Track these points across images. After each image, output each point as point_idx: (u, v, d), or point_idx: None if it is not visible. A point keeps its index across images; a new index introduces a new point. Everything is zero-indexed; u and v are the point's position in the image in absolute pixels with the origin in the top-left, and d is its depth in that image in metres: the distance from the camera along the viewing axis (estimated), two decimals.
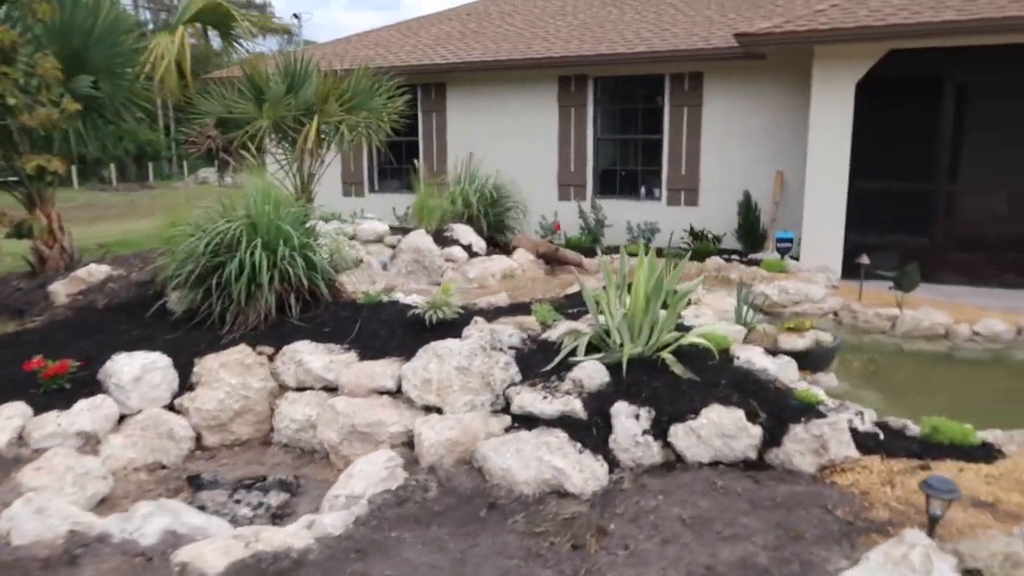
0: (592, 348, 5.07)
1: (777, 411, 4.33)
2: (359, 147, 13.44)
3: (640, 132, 11.81)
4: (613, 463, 4.17)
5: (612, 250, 10.69)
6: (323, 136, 8.78)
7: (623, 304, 5.23)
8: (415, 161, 12.84)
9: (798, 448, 4.09)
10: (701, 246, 10.20)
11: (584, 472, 4.00)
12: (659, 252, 10.48)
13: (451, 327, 5.40)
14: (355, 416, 4.61)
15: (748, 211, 10.43)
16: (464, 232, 8.79)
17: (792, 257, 9.67)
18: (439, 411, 4.68)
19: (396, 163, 13.43)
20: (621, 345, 4.96)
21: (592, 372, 4.68)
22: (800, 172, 9.63)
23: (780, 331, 6.69)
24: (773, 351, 6.02)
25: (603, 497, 3.92)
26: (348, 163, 13.61)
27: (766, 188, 10.58)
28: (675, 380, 4.68)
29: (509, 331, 5.20)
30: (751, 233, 10.34)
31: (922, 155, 9.00)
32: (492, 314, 5.93)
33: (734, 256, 10.00)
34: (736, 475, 4.06)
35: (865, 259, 8.20)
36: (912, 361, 7.06)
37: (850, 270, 9.18)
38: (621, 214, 11.53)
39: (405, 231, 8.28)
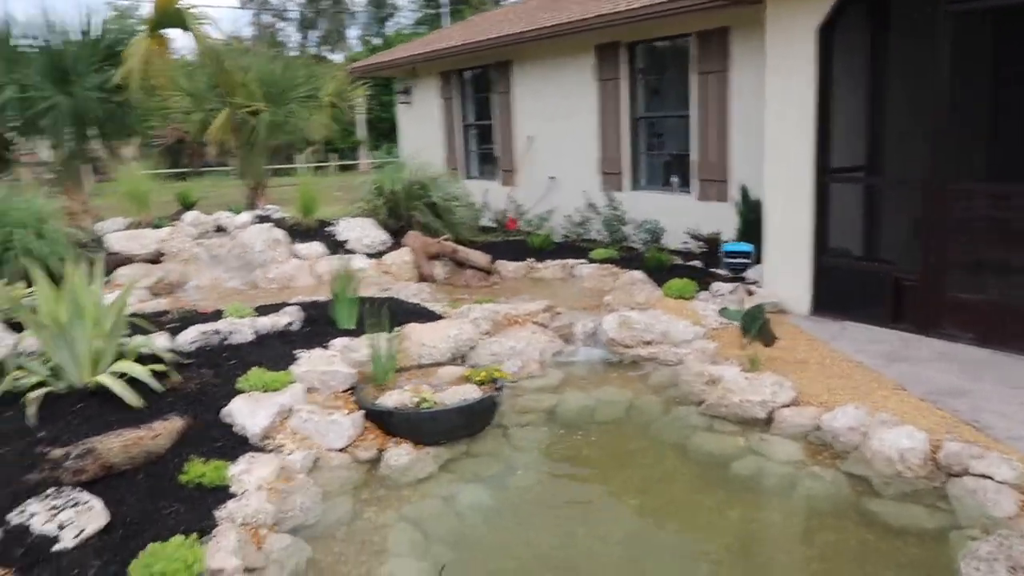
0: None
1: None
2: (452, 133, 13.28)
3: (674, 110, 9.46)
4: None
5: (630, 251, 8.81)
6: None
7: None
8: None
9: None
10: (654, 256, 7.87)
11: None
12: (639, 259, 8.32)
13: None
14: None
15: (747, 210, 7.70)
16: (354, 226, 8.22)
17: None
18: None
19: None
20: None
21: None
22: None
23: (454, 381, 5.03)
24: (363, 407, 4.64)
25: None
26: (450, 150, 13.44)
27: None
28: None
29: None
30: (749, 237, 7.61)
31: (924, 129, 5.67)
32: None
33: (720, 269, 7.52)
34: None
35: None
36: (644, 466, 4.68)
37: (831, 302, 6.32)
38: (650, 209, 9.45)
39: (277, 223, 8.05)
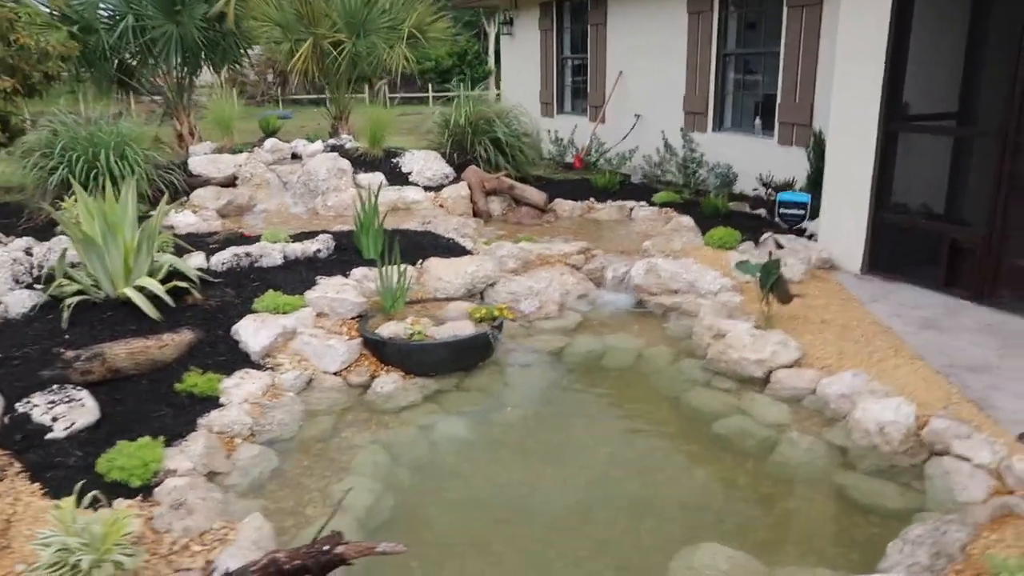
0: None
1: None
2: (548, 67, 13.06)
3: (763, 46, 8.83)
4: None
5: (701, 195, 8.47)
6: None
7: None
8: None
9: None
10: (710, 202, 7.51)
11: None
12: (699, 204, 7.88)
13: None
14: None
15: (817, 157, 7.17)
16: (418, 159, 8.38)
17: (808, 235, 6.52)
18: None
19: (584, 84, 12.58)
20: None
21: (19, 300, 4.78)
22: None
23: (461, 316, 5.15)
24: (363, 335, 4.88)
25: None
26: (545, 84, 13.26)
27: None
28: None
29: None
30: (818, 187, 7.12)
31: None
32: None
33: (776, 220, 7.13)
34: None
35: None
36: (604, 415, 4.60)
37: (885, 262, 5.92)
38: (731, 152, 9.02)
39: (345, 154, 8.33)
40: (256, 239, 5.96)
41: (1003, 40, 5.62)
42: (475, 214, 7.90)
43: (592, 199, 8.44)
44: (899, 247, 5.89)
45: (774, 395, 4.43)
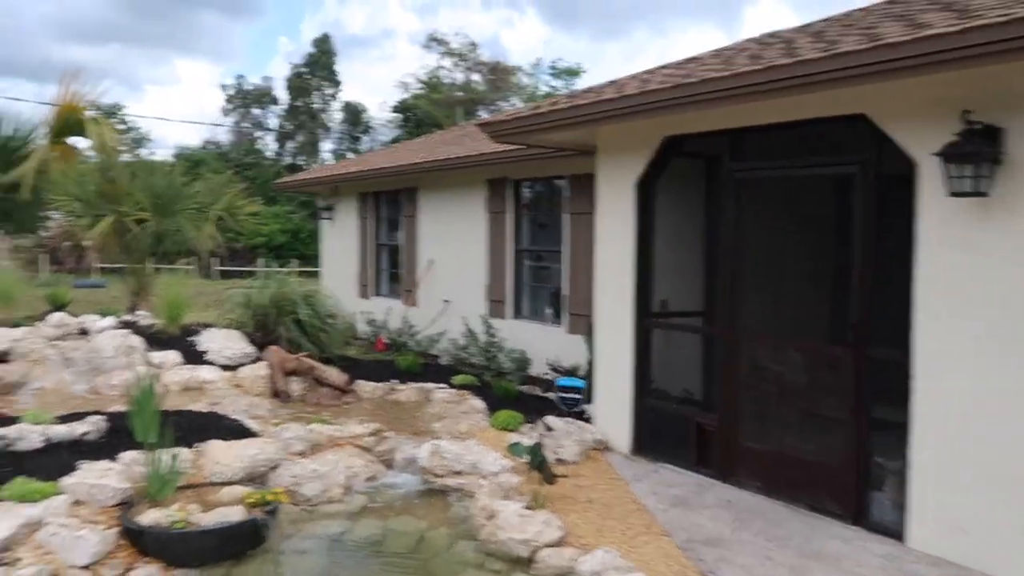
0: None
1: None
2: (365, 251, 13.67)
3: (551, 245, 9.92)
4: None
5: (501, 377, 8.89)
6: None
7: None
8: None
9: None
10: (500, 386, 8.04)
11: None
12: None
13: None
14: None
15: (592, 346, 7.96)
16: (218, 337, 8.32)
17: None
18: None
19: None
20: None
21: None
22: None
23: (234, 502, 5.01)
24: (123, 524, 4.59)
25: None
26: (362, 267, 13.79)
27: None
28: None
29: None
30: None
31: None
32: None
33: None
34: None
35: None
36: None
37: (649, 443, 6.48)
38: (527, 338, 9.72)
39: (139, 331, 8.15)
40: (15, 420, 5.58)
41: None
42: (275, 394, 7.84)
43: (395, 380, 8.66)
44: (662, 430, 6.52)
45: (539, 573, 4.62)
